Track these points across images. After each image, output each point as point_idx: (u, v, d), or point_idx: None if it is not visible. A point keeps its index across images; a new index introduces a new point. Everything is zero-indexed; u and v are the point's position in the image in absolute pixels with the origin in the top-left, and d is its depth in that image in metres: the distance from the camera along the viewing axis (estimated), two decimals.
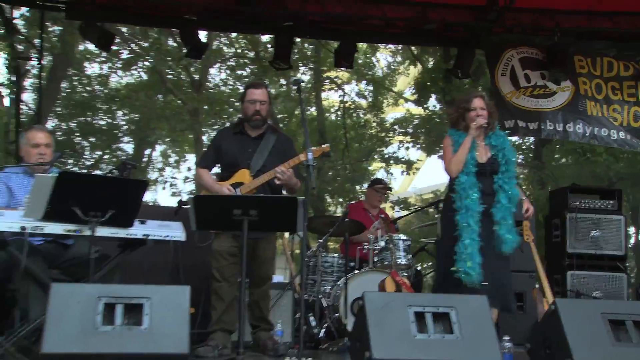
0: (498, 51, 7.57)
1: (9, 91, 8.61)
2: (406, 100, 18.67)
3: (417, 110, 17.55)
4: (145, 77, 16.98)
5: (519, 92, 7.44)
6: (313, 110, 17.03)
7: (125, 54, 15.99)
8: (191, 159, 19.10)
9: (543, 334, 3.80)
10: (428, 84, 13.17)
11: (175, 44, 14.62)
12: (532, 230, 5.37)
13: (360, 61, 16.13)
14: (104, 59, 16.10)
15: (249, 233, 4.04)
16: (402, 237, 6.45)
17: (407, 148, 17.62)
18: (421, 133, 17.04)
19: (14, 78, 8.21)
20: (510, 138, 5.95)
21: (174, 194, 17.71)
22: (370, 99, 17.91)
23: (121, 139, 17.79)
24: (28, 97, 12.33)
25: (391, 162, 17.72)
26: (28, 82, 11.90)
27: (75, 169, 15.59)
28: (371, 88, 18.01)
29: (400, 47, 16.21)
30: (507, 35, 7.59)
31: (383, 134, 17.67)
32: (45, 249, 4.29)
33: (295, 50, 11.83)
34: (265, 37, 14.16)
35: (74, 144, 16.43)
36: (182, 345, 3.26)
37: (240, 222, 4.01)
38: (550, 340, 3.69)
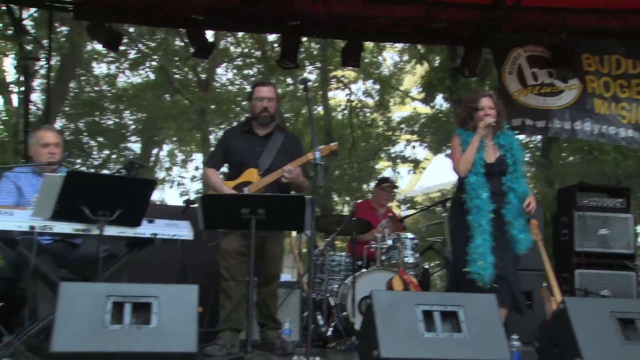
0: (505, 50, 7.56)
1: (18, 91, 8.65)
2: (413, 99, 18.64)
3: (424, 109, 17.53)
4: (152, 76, 17.03)
5: (526, 91, 7.43)
6: (320, 109, 17.03)
7: (132, 54, 16.04)
8: (198, 158, 19.17)
9: (552, 333, 3.78)
10: (434, 82, 13.15)
11: (182, 44, 14.65)
12: (540, 229, 5.36)
13: (366, 60, 16.12)
14: (111, 59, 16.16)
15: (257, 232, 4.05)
16: (410, 235, 6.45)
17: (414, 147, 17.62)
18: (428, 132, 17.02)
19: (22, 78, 8.24)
20: (518, 137, 5.93)
21: (182, 194, 17.76)
22: (376, 98, 17.90)
23: (129, 138, 17.85)
24: (36, 97, 12.41)
25: (398, 161, 17.71)
26: (36, 82, 11.96)
27: (83, 168, 15.65)
28: (378, 87, 18.00)
29: (406, 45, 16.19)
30: (514, 33, 7.57)
31: (390, 133, 17.65)
32: (53, 248, 4.31)
33: (302, 50, 11.81)
34: (272, 37, 14.18)
35: (82, 143, 16.49)
36: (190, 344, 3.26)
37: (247, 221, 4.02)
38: (559, 339, 3.68)
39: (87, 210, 3.77)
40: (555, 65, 7.43)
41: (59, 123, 15.20)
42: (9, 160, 9.70)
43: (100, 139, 17.12)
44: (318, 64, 16.19)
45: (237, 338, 4.78)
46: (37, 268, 3.93)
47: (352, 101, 17.46)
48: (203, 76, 16.41)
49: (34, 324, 3.90)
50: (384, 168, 18.77)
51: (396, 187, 7.61)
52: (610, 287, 6.38)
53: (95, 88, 16.98)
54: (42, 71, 9.03)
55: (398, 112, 19.24)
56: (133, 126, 17.72)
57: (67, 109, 15.97)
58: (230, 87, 17.46)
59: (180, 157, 19.93)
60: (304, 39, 10.83)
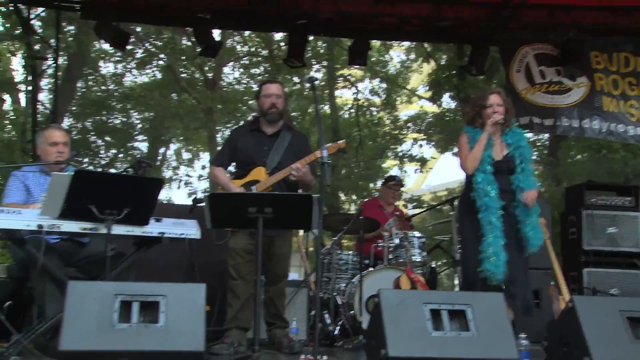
0: (513, 48, 7.54)
1: (25, 91, 8.68)
2: (420, 97, 18.62)
3: (431, 108, 17.50)
4: (159, 76, 17.07)
5: (534, 89, 7.41)
6: (327, 108, 17.04)
7: (139, 53, 16.08)
8: (205, 157, 19.20)
9: (560, 332, 3.77)
10: (442, 81, 13.12)
11: (189, 43, 14.67)
12: (548, 227, 5.34)
13: (373, 59, 16.11)
14: (118, 59, 16.20)
15: (264, 231, 4.04)
16: (417, 234, 6.44)
17: (421, 145, 17.60)
18: (435, 131, 17.00)
19: (30, 78, 8.27)
20: (526, 135, 5.90)
21: (190, 194, 17.80)
22: (383, 97, 17.88)
23: (136, 137, 17.89)
24: (44, 96, 12.45)
25: (405, 159, 17.69)
26: (44, 82, 12.00)
27: (91, 167, 15.70)
28: (384, 85, 17.98)
29: (413, 44, 16.16)
30: (522, 31, 7.55)
31: (397, 132, 17.64)
32: (61, 247, 4.32)
33: (309, 49, 11.82)
34: (279, 35, 14.19)
35: (89, 142, 16.55)
36: (198, 343, 3.27)
37: (255, 219, 4.01)
38: (567, 338, 3.66)
39: (95, 209, 3.78)
40: (563, 63, 7.40)
41: (66, 122, 15.26)
42: (17, 159, 9.75)
43: (107, 138, 17.18)
44: (325, 63, 16.19)
45: (245, 337, 4.78)
46: (45, 267, 3.94)
47: (359, 100, 17.46)
48: (210, 75, 16.44)
49: (42, 322, 3.91)
50: (391, 167, 18.77)
51: (402, 185, 7.60)
52: (619, 285, 6.36)
53: (103, 87, 17.04)
54: (50, 71, 9.07)
55: (405, 111, 19.24)
56: (140, 125, 17.77)
57: (74, 108, 16.03)
58: (237, 86, 17.49)
59: (186, 156, 20.00)
60: (311, 37, 10.82)
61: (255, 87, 15.01)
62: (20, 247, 4.04)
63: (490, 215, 4.60)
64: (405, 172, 18.35)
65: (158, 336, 3.24)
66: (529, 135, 11.49)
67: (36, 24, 9.58)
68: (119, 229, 3.91)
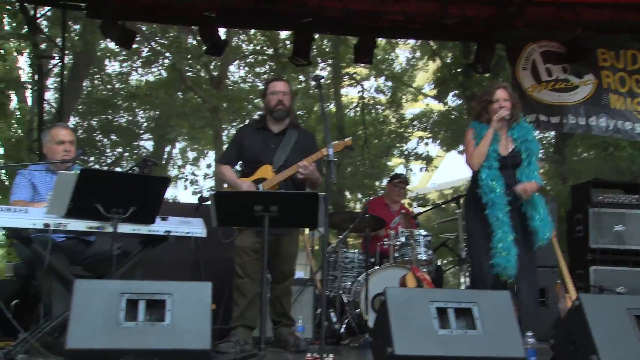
0: (519, 45, 7.51)
1: (32, 90, 8.70)
2: (425, 95, 18.60)
3: (437, 106, 17.49)
4: (165, 74, 17.08)
5: (541, 86, 7.38)
6: (332, 106, 17.04)
7: (145, 52, 16.10)
8: (211, 155, 19.21)
9: (567, 330, 3.75)
10: (447, 78, 13.10)
11: (194, 42, 14.68)
12: (554, 225, 5.32)
13: (379, 57, 16.10)
14: (124, 57, 16.23)
15: (271, 229, 4.04)
16: (423, 232, 6.43)
17: (426, 144, 17.59)
18: (440, 129, 16.97)
19: (36, 77, 8.30)
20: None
21: (195, 192, 17.81)
22: (389, 95, 17.87)
23: (141, 136, 17.92)
24: (50, 95, 12.49)
25: (410, 158, 17.68)
26: (50, 81, 12.04)
27: (97, 166, 15.73)
28: (390, 84, 17.96)
29: (419, 42, 16.14)
30: (528, 29, 7.52)
31: (402, 130, 17.62)
32: (67, 245, 4.33)
33: (314, 47, 11.82)
34: (284, 34, 14.18)
35: (95, 141, 16.59)
36: (204, 341, 3.27)
37: (261, 218, 4.01)
38: (574, 336, 3.64)
39: (101, 207, 3.78)
40: (569, 61, 7.37)
41: (72, 121, 15.30)
42: (24, 157, 9.78)
43: (113, 136, 17.21)
44: (330, 61, 16.18)
45: (251, 335, 4.78)
46: (51, 265, 3.94)
47: (365, 98, 17.44)
48: (215, 74, 16.45)
49: (49, 321, 3.92)
50: (397, 165, 18.77)
51: (408, 183, 7.60)
52: (626, 283, 6.32)
53: (108, 86, 17.07)
54: (56, 69, 9.12)
55: (410, 109, 19.23)
56: (145, 124, 17.80)
57: (80, 107, 16.07)
58: (242, 85, 17.49)
59: (192, 155, 20.02)
60: (317, 35, 10.81)
61: (260, 86, 15.06)
62: (27, 246, 4.04)
63: (497, 211, 4.58)
64: (411, 170, 18.37)
65: (164, 334, 3.24)
66: (535, 133, 11.45)
67: (42, 23, 9.61)
68: (125, 228, 3.91)
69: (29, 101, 14.37)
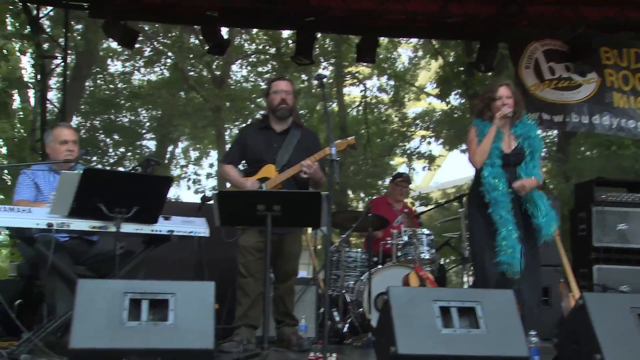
0: (521, 44, 7.50)
1: (34, 89, 8.69)
2: (428, 94, 18.58)
3: (439, 105, 17.48)
4: (167, 74, 17.10)
5: (543, 85, 7.37)
6: (334, 105, 17.03)
7: (147, 52, 16.11)
8: (213, 155, 19.22)
9: (571, 329, 3.75)
10: (450, 77, 13.09)
11: (197, 41, 14.69)
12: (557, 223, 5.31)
13: (381, 56, 16.09)
14: (126, 57, 16.24)
15: (275, 229, 4.04)
16: (426, 231, 6.43)
17: (429, 143, 17.57)
18: (443, 128, 16.97)
19: (39, 76, 8.30)
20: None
21: (197, 192, 17.83)
22: (391, 94, 17.86)
23: (144, 136, 17.93)
24: (53, 95, 12.50)
25: (413, 157, 17.67)
26: (53, 81, 12.04)
27: (99, 166, 15.75)
28: (392, 83, 17.95)
29: (421, 41, 16.13)
30: (531, 28, 7.51)
31: (405, 129, 17.62)
32: (70, 245, 4.33)
33: (316, 46, 11.81)
34: (286, 33, 14.17)
35: (98, 141, 16.61)
36: (207, 341, 3.26)
37: (263, 217, 4.01)
38: (578, 335, 3.64)
39: (104, 207, 3.78)
40: (572, 59, 7.36)
41: (75, 121, 15.32)
42: (27, 157, 9.78)
43: (115, 136, 17.24)
44: (333, 60, 16.17)
45: (254, 334, 4.79)
46: (54, 265, 3.95)
47: (367, 97, 17.44)
48: (218, 73, 16.46)
49: (52, 320, 3.93)
50: (399, 164, 18.76)
51: (410, 181, 7.59)
52: (629, 282, 6.32)
53: (111, 86, 17.09)
54: (59, 69, 9.08)
55: (413, 108, 19.23)
56: (148, 123, 17.81)
57: (83, 106, 16.08)
58: (245, 84, 17.50)
59: (194, 154, 20.03)
60: (319, 35, 10.80)
61: (263, 85, 15.06)
62: (30, 246, 4.05)
63: (501, 209, 4.57)
64: (414, 169, 18.35)
65: (167, 334, 3.24)
66: (539, 131, 11.43)
67: (45, 23, 9.60)
68: (127, 227, 3.92)
69: (32, 101, 14.34)
